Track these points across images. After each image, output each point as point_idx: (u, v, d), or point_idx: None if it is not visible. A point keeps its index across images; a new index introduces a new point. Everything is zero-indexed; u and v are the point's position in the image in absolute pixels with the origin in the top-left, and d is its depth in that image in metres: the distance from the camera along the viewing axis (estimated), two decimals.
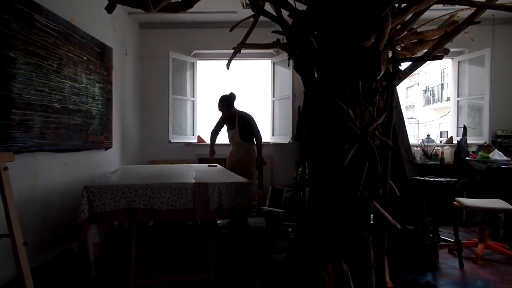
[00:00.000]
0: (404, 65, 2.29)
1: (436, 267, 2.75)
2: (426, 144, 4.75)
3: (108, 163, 3.99)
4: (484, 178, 4.07)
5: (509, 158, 4.23)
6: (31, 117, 2.53)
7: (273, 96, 5.21)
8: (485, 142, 4.56)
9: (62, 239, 2.95)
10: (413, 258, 2.89)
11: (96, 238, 2.14)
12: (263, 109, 5.53)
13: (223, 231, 3.82)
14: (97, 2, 3.20)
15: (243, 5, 4.28)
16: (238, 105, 4.05)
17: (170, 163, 4.66)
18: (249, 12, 2.62)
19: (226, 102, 3.94)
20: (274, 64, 5.16)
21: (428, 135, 5.07)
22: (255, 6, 2.18)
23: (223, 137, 4.33)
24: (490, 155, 4.25)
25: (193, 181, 2.33)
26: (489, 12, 3.44)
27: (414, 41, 2.58)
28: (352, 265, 1.78)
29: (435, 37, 2.55)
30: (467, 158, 4.23)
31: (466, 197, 3.72)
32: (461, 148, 4.08)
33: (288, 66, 4.36)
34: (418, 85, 21.03)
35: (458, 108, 5.08)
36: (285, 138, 4.92)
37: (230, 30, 3.12)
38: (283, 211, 4.08)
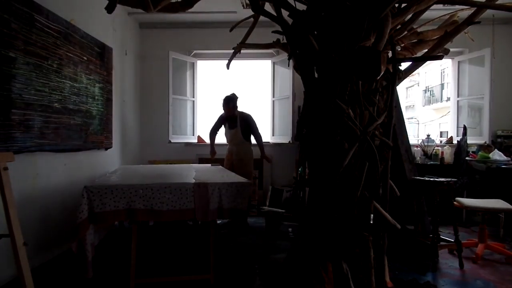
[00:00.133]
0: (404, 65, 2.29)
1: (436, 267, 2.75)
2: (426, 144, 4.75)
3: (108, 163, 3.99)
4: (484, 178, 4.07)
5: (509, 158, 4.23)
6: (31, 117, 2.53)
7: (273, 96, 5.21)
8: (485, 142, 4.56)
9: (62, 239, 2.95)
10: (413, 258, 2.89)
11: (92, 239, 2.13)
12: (263, 109, 5.54)
13: (223, 231, 3.82)
14: (97, 2, 3.20)
15: (243, 5, 4.28)
16: (239, 105, 4.07)
17: (170, 163, 4.67)
18: (249, 12, 2.62)
19: (233, 102, 4.00)
20: (274, 64, 5.16)
21: (428, 135, 5.07)
22: (255, 6, 2.18)
23: (221, 137, 4.34)
24: (490, 155, 4.25)
25: (193, 181, 2.33)
26: (489, 12, 3.44)
27: (414, 41, 2.58)
28: (352, 265, 1.78)
29: (435, 37, 2.55)
30: (467, 158, 4.23)
31: (466, 197, 3.72)
32: (461, 148, 4.08)
33: (288, 66, 4.37)
34: (418, 85, 21.03)
35: (458, 108, 5.08)
36: (285, 138, 4.92)
37: (230, 30, 3.12)
38: (283, 211, 4.08)
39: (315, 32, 2.02)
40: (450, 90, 6.10)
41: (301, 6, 2.17)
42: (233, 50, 3.25)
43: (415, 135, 15.93)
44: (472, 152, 4.54)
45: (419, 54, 2.58)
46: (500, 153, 4.26)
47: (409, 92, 22.82)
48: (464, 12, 2.62)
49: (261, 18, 2.49)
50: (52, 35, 2.76)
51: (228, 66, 3.45)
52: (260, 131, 4.17)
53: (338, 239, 1.82)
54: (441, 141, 5.35)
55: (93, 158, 3.62)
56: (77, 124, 3.16)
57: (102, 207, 2.09)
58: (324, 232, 1.85)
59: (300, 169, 4.35)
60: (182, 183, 2.26)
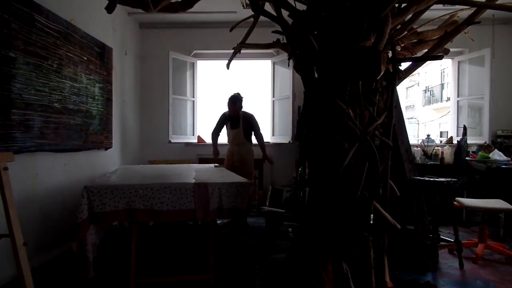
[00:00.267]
0: (404, 65, 2.29)
1: (436, 267, 2.75)
2: (426, 144, 4.75)
3: (108, 163, 3.99)
4: (484, 178, 4.07)
5: (509, 158, 4.23)
6: (31, 117, 2.53)
7: (273, 96, 5.21)
8: (485, 142, 4.56)
9: (62, 239, 2.95)
10: (413, 258, 2.89)
11: (94, 238, 2.14)
12: (263, 109, 5.54)
13: (223, 231, 3.82)
14: (97, 2, 3.20)
15: (243, 5, 4.28)
16: (243, 105, 4.08)
17: (170, 163, 4.67)
18: (249, 12, 2.62)
19: (240, 102, 4.00)
20: (274, 64, 5.16)
21: (428, 135, 5.07)
22: (255, 6, 2.18)
23: (223, 137, 4.31)
24: (490, 155, 4.25)
25: (193, 181, 2.33)
26: (489, 12, 3.44)
27: (414, 41, 2.58)
28: (352, 265, 1.78)
29: (435, 37, 2.55)
30: (467, 158, 4.23)
31: (466, 197, 3.72)
32: (461, 148, 4.08)
33: (288, 66, 4.36)
34: (418, 85, 21.03)
35: (458, 108, 5.08)
36: (285, 138, 4.92)
37: (230, 30, 3.12)
38: (283, 211, 4.08)
39: (315, 32, 2.02)
40: (450, 90, 6.10)
41: (301, 6, 2.17)
42: (233, 50, 3.25)
43: (415, 135, 15.93)
44: (472, 152, 4.54)
45: (419, 54, 2.58)
46: (500, 153, 4.26)
47: (409, 92, 22.82)
48: (464, 12, 2.62)
49: (261, 18, 2.49)
50: (52, 35, 2.76)
51: (228, 66, 3.45)
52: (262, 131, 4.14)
53: (338, 239, 1.82)
54: (441, 141, 5.35)
55: (93, 158, 3.62)
56: (77, 124, 3.16)
57: (102, 207, 2.09)
58: (324, 232, 1.85)
59: (300, 169, 4.35)
60: (182, 183, 2.26)
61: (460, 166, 4.07)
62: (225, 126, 4.17)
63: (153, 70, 5.11)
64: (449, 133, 5.33)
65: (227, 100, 4.00)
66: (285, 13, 2.07)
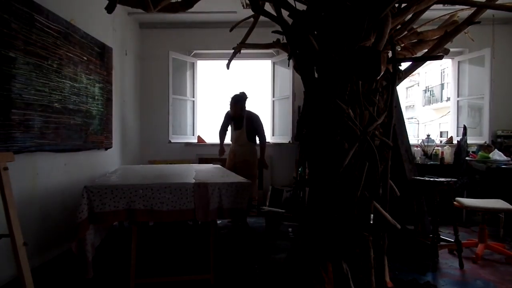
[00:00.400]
0: (404, 65, 2.29)
1: (436, 267, 2.75)
2: (426, 144, 4.75)
3: (108, 163, 3.99)
4: (484, 178, 4.07)
5: (509, 158, 4.23)
6: (31, 117, 2.53)
7: (273, 96, 5.21)
8: (485, 142, 4.56)
9: (62, 239, 2.95)
10: (413, 258, 2.89)
11: (92, 238, 2.13)
12: (263, 109, 5.53)
13: (223, 231, 3.82)
14: (97, 2, 3.20)
15: (243, 5, 4.28)
16: (247, 105, 4.00)
17: (170, 163, 4.66)
18: (249, 12, 2.62)
19: (241, 103, 3.92)
20: (274, 64, 5.16)
21: (428, 135, 5.07)
22: (255, 6, 2.18)
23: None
24: (490, 155, 4.25)
25: (193, 181, 2.33)
26: (489, 12, 3.44)
27: (414, 41, 2.58)
28: (352, 265, 1.78)
29: (435, 37, 2.55)
30: (467, 158, 4.23)
31: (466, 197, 3.72)
32: (461, 148, 4.08)
33: (288, 66, 4.36)
34: (418, 85, 21.03)
35: (458, 108, 5.08)
36: (285, 138, 4.92)
37: (230, 30, 3.12)
38: (283, 211, 4.07)
39: (315, 32, 2.02)
40: (450, 90, 6.10)
41: (301, 6, 2.17)
42: (233, 50, 3.25)
43: (415, 135, 15.94)
44: (472, 152, 4.54)
45: (419, 54, 2.58)
46: (500, 153, 4.26)
47: (409, 92, 22.82)
48: (464, 12, 2.62)
49: (261, 18, 2.49)
50: (52, 35, 2.76)
51: (228, 66, 3.44)
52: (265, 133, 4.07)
53: (338, 239, 1.82)
54: (441, 141, 5.35)
55: (93, 158, 3.62)
56: (77, 124, 3.16)
57: (102, 207, 2.09)
58: (324, 232, 1.85)
59: (300, 169, 4.35)
60: (182, 183, 2.26)
61: (460, 166, 4.07)
62: (230, 125, 4.11)
63: (153, 70, 5.11)
64: (449, 133, 5.33)
65: (229, 100, 3.93)
66: (285, 13, 2.07)
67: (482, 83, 4.67)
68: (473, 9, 2.30)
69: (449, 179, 2.90)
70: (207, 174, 2.93)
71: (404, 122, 3.48)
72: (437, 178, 2.97)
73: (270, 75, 5.22)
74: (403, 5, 2.01)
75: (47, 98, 2.72)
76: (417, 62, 2.43)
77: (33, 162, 2.65)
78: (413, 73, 3.33)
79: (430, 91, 19.12)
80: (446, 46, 2.41)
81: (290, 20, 2.07)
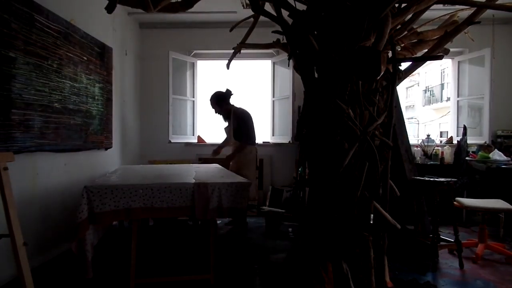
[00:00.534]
0: (404, 65, 2.29)
1: (436, 267, 2.75)
2: (426, 144, 4.75)
3: (108, 163, 3.99)
4: (484, 178, 4.07)
5: (509, 158, 4.23)
6: (31, 117, 2.53)
7: (273, 96, 5.21)
8: (485, 142, 4.56)
9: (62, 239, 2.95)
10: (413, 258, 2.89)
11: (92, 239, 2.13)
12: (263, 109, 5.54)
13: (223, 231, 3.82)
14: (97, 2, 3.21)
15: (243, 5, 4.28)
16: (241, 105, 3.90)
17: (170, 163, 4.66)
18: (249, 12, 2.62)
19: (215, 99, 3.74)
20: (274, 64, 5.16)
21: (428, 135, 5.07)
22: (255, 6, 2.18)
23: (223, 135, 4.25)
24: (490, 155, 4.24)
25: (193, 181, 2.33)
26: (489, 12, 3.44)
27: (414, 41, 2.58)
28: (352, 265, 1.78)
29: (435, 37, 2.55)
30: (467, 158, 4.23)
31: (466, 197, 3.72)
32: (461, 148, 4.08)
33: (288, 66, 4.36)
34: (418, 85, 21.04)
35: (458, 108, 5.08)
36: (285, 138, 4.92)
37: (230, 30, 3.12)
38: (283, 211, 4.08)
39: (315, 32, 2.02)
40: (450, 90, 6.10)
41: (301, 6, 2.17)
42: (233, 50, 3.25)
43: (415, 135, 15.94)
44: (472, 152, 4.54)
45: (419, 54, 2.58)
46: (500, 153, 4.26)
47: (409, 92, 22.83)
48: (464, 12, 2.62)
49: (261, 18, 2.49)
50: (52, 35, 2.76)
51: (228, 66, 3.44)
52: (252, 132, 3.74)
53: (338, 239, 1.82)
54: (441, 141, 5.35)
55: (93, 158, 3.62)
56: (77, 124, 3.16)
57: (102, 207, 2.09)
58: (324, 232, 1.85)
59: (300, 169, 4.35)
60: (182, 183, 2.26)
61: (460, 166, 4.07)
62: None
63: (153, 70, 5.11)
64: (449, 133, 5.33)
65: None
66: (285, 13, 2.07)
67: (482, 83, 4.67)
68: (473, 9, 2.30)
69: (449, 179, 2.90)
70: (207, 174, 2.93)
71: (404, 122, 3.48)
72: (437, 178, 2.97)
73: (270, 75, 5.22)
74: (403, 5, 2.01)
75: (47, 98, 2.72)
76: (417, 62, 2.43)
77: (33, 162, 2.65)
78: (413, 73, 3.34)
79: (430, 91, 19.13)
80: (446, 46, 2.41)
81: (290, 20, 2.07)
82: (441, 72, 18.13)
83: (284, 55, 4.14)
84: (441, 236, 3.06)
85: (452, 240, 2.88)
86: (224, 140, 4.08)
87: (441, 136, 10.39)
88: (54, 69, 2.80)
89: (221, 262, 2.75)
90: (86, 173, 3.43)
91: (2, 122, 2.25)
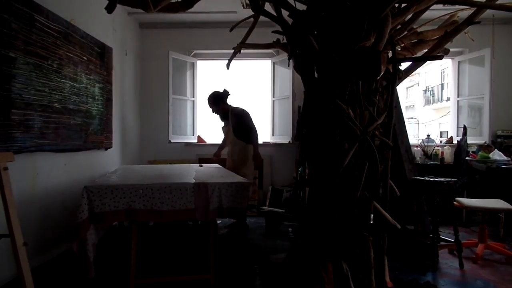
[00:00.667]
0: (404, 65, 2.29)
1: (436, 267, 2.75)
2: (426, 144, 4.75)
3: (108, 163, 3.99)
4: (484, 178, 4.07)
5: (509, 158, 4.23)
6: (31, 117, 2.53)
7: (273, 96, 5.21)
8: (485, 142, 4.56)
9: (62, 239, 2.95)
10: (413, 258, 2.89)
11: (94, 238, 2.14)
12: (263, 109, 5.54)
13: (223, 231, 3.81)
14: (97, 2, 3.20)
15: (243, 5, 4.28)
16: (239, 105, 3.95)
17: (170, 163, 4.66)
18: (249, 12, 2.62)
19: (212, 98, 3.80)
20: (274, 64, 5.16)
21: (428, 135, 5.07)
22: (255, 6, 2.18)
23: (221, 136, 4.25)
24: (490, 155, 4.25)
25: (193, 181, 2.33)
26: (489, 12, 3.44)
27: (414, 41, 2.58)
28: (352, 265, 1.78)
29: (435, 37, 2.55)
30: (467, 158, 4.23)
31: (466, 197, 3.72)
32: (461, 148, 4.08)
33: (288, 66, 4.36)
34: (418, 85, 21.03)
35: (458, 108, 5.08)
36: (285, 138, 4.92)
37: (230, 30, 3.12)
38: (283, 211, 4.08)
39: (315, 32, 2.02)
40: (450, 90, 6.10)
41: (301, 6, 2.17)
42: (233, 50, 3.25)
43: (415, 135, 15.96)
44: (472, 152, 4.54)
45: (419, 54, 2.58)
46: (500, 153, 4.26)
47: (409, 92, 22.83)
48: (464, 12, 2.62)
49: (261, 18, 2.49)
50: (52, 35, 2.76)
51: (228, 66, 3.44)
52: (256, 128, 3.82)
53: (338, 239, 1.82)
54: (441, 141, 5.35)
55: (93, 158, 3.62)
56: (77, 124, 3.16)
57: (102, 207, 2.09)
58: (324, 232, 1.85)
59: (300, 169, 4.35)
60: (182, 183, 2.26)
61: (460, 166, 4.07)
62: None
63: (153, 70, 5.11)
64: (449, 133, 5.33)
65: None
66: (285, 13, 2.07)
67: (482, 83, 4.67)
68: (473, 9, 2.30)
69: (449, 179, 2.90)
70: (207, 174, 2.93)
71: (404, 122, 3.48)
72: (437, 178, 2.97)
73: (270, 75, 5.22)
74: (403, 5, 2.01)
75: (47, 98, 2.72)
76: (417, 62, 2.43)
77: (33, 162, 2.65)
78: (413, 73, 3.33)
79: (430, 91, 19.12)
80: (446, 46, 2.41)
81: (290, 20, 2.07)
82: (441, 72, 18.13)
83: (284, 55, 4.14)
84: (441, 236, 3.06)
85: (452, 240, 2.88)
86: (223, 141, 4.10)
87: (441, 136, 10.39)
88: (54, 69, 2.80)
89: (221, 262, 2.75)
90: (86, 173, 3.43)
91: (2, 122, 2.25)
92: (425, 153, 4.63)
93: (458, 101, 5.08)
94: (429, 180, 2.92)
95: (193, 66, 5.28)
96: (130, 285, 2.23)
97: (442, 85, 17.80)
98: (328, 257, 1.78)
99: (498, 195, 3.27)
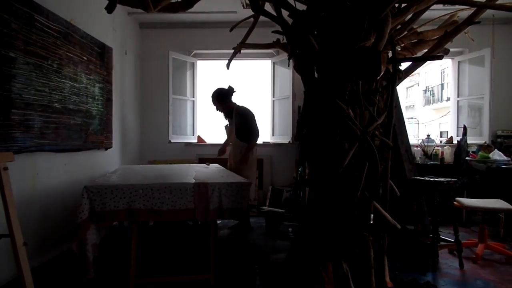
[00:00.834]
0: (404, 65, 2.29)
1: (436, 267, 2.75)
2: (426, 144, 4.75)
3: (108, 163, 3.99)
4: (484, 178, 4.07)
5: (509, 158, 4.23)
6: (31, 117, 2.53)
7: (273, 96, 5.21)
8: (485, 142, 4.56)
9: (62, 239, 2.95)
10: (413, 258, 2.89)
11: (95, 239, 2.14)
12: (263, 109, 5.54)
13: (223, 231, 3.81)
14: (97, 2, 3.20)
15: (243, 5, 4.28)
16: (240, 103, 3.85)
17: (170, 163, 4.66)
18: (249, 12, 2.62)
19: (217, 95, 3.65)
20: (274, 64, 5.16)
21: (428, 135, 5.07)
22: (255, 6, 2.18)
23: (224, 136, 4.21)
24: (490, 155, 4.25)
25: (193, 181, 2.33)
26: (489, 12, 3.44)
27: (414, 41, 2.58)
28: (352, 265, 1.78)
29: (435, 37, 2.55)
30: (467, 158, 4.23)
31: (466, 197, 3.72)
32: (461, 148, 4.08)
33: (288, 66, 4.36)
34: (418, 85, 21.04)
35: (458, 108, 5.08)
36: (285, 138, 4.92)
37: (230, 30, 3.12)
38: (283, 211, 4.08)
39: (315, 32, 2.02)
40: (450, 90, 6.10)
41: (301, 6, 2.17)
42: (233, 50, 3.26)
43: (415, 135, 15.96)
44: (472, 152, 4.54)
45: (419, 54, 2.58)
46: (500, 153, 4.26)
47: (409, 92, 22.83)
48: (464, 12, 2.62)
49: (261, 18, 2.49)
50: (52, 35, 2.76)
51: (228, 66, 3.44)
52: (258, 130, 3.68)
53: (338, 239, 1.82)
54: (441, 141, 5.35)
55: (93, 158, 3.62)
56: (77, 124, 3.16)
57: (102, 207, 2.09)
58: (324, 232, 1.85)
59: (300, 169, 4.35)
60: (182, 183, 2.26)
61: (460, 166, 4.07)
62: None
63: (153, 70, 5.11)
64: (449, 133, 5.33)
65: None
66: (285, 13, 2.07)
67: (482, 83, 4.67)
68: (473, 9, 2.30)
69: (449, 179, 2.90)
70: (207, 174, 2.93)
71: (404, 122, 3.48)
72: (437, 178, 2.97)
73: (270, 75, 5.22)
74: (403, 5, 2.01)
75: (47, 98, 2.72)
76: (417, 62, 2.43)
77: (33, 162, 2.65)
78: (413, 73, 3.34)
79: (430, 91, 19.13)
80: (446, 46, 2.42)
81: (290, 20, 2.07)
82: (441, 72, 18.13)
83: (284, 55, 4.14)
84: (441, 236, 3.06)
85: (452, 240, 2.88)
86: (227, 139, 4.06)
87: (441, 136, 10.39)
88: (54, 69, 2.80)
89: (221, 262, 2.75)
90: (86, 173, 3.43)
91: (2, 122, 2.25)
92: (425, 153, 4.63)
93: (458, 101, 5.08)
94: (429, 180, 2.92)
95: (193, 66, 5.28)
96: (130, 285, 2.23)
97: (442, 85, 17.80)
98: (328, 257, 1.78)
99: (498, 195, 3.27)
